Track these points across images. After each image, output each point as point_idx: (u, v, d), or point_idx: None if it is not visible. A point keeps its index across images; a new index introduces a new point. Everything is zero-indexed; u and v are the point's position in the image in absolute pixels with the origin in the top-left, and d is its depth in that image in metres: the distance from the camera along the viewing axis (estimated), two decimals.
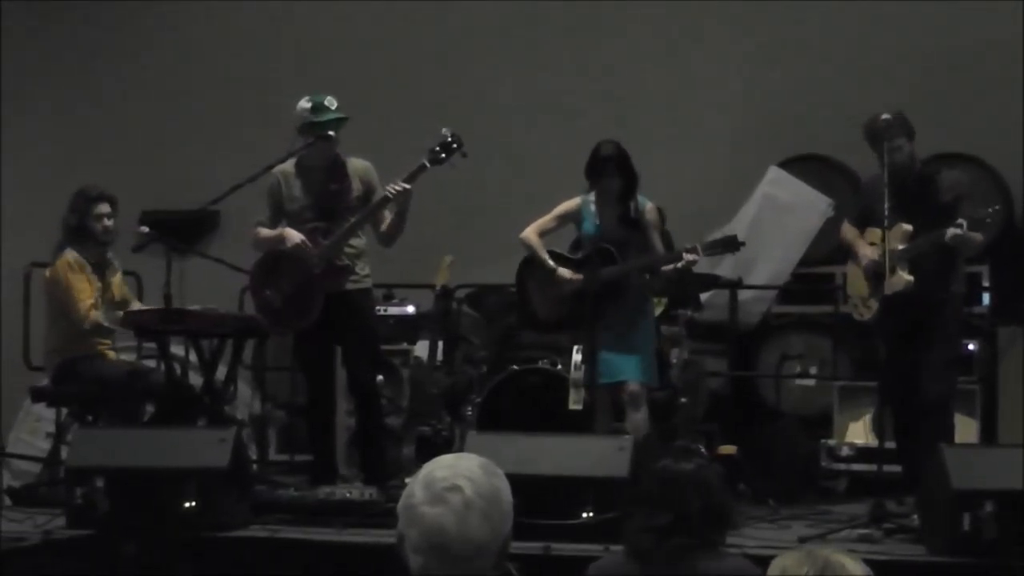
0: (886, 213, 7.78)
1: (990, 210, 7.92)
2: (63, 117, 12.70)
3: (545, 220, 8.64)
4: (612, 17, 11.72)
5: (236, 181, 8.61)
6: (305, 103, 8.49)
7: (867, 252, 8.17)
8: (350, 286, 8.53)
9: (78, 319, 8.74)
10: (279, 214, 8.63)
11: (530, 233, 8.62)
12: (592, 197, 8.52)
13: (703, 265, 9.68)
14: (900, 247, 7.92)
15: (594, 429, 8.28)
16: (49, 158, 12.57)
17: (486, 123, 10.99)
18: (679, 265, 8.28)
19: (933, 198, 8.05)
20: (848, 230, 8.45)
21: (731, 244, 8.38)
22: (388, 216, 8.50)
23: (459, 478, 3.27)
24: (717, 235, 8.69)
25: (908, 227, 7.94)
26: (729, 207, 10.82)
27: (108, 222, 8.89)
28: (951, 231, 7.77)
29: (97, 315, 8.73)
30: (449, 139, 8.39)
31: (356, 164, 8.63)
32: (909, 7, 11.02)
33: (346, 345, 8.63)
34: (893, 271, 7.86)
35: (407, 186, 8.33)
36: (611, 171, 8.38)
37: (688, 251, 8.24)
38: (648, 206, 8.51)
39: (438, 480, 3.28)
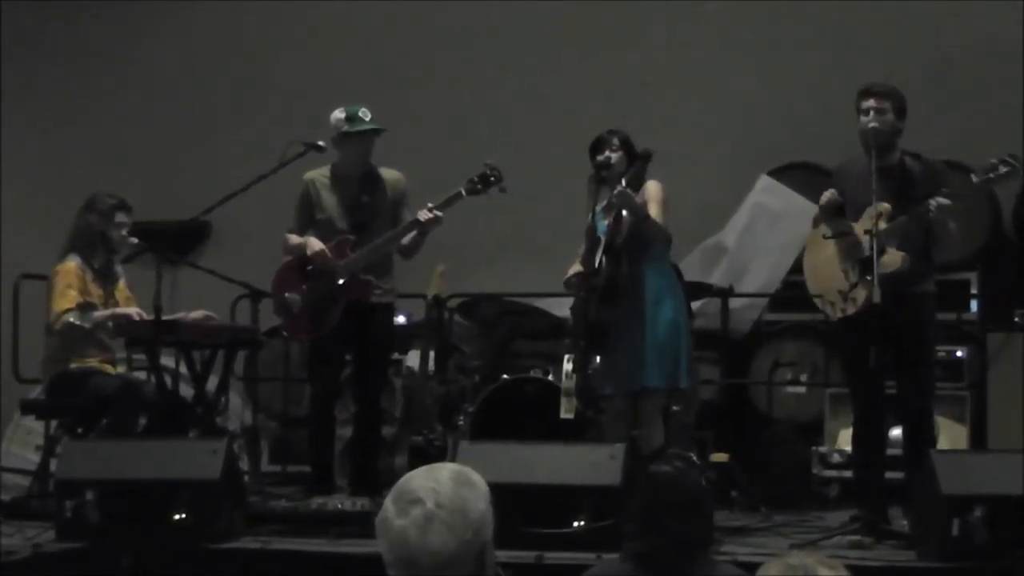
0: (873, 187, 7.43)
1: (997, 160, 7.43)
2: (53, 126, 12.63)
3: None
4: (608, 24, 11.66)
5: (228, 191, 8.63)
6: (339, 113, 8.50)
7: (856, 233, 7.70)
8: (374, 299, 8.54)
9: (50, 320, 8.68)
10: (308, 221, 8.65)
11: None
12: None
13: (694, 274, 9.72)
14: (883, 226, 7.50)
15: (605, 438, 8.12)
16: (38, 169, 12.52)
17: (486, 127, 11.02)
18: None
19: (914, 183, 7.65)
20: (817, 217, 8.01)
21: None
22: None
23: (423, 490, 3.32)
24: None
25: (887, 205, 7.53)
26: (721, 216, 10.84)
27: (124, 232, 8.88)
28: (933, 202, 7.42)
29: (70, 316, 8.59)
30: (488, 172, 8.38)
31: (388, 175, 8.65)
32: (898, 11, 11.00)
33: (360, 355, 8.65)
34: (883, 251, 7.45)
35: (439, 214, 8.34)
36: (613, 145, 8.19)
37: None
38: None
39: (405, 493, 3.34)
